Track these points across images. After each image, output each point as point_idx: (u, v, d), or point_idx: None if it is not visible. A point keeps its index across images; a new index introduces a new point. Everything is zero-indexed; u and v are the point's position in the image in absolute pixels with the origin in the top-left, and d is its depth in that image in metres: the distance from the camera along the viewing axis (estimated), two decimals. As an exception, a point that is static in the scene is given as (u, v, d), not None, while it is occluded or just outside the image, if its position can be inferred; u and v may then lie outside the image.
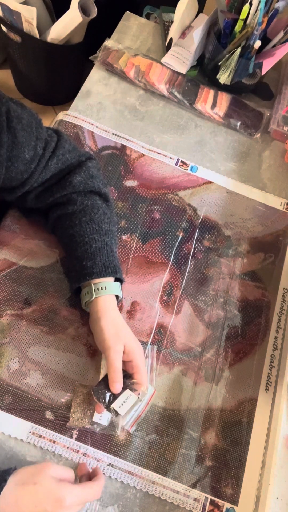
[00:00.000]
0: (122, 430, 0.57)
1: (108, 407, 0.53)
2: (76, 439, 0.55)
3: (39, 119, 0.55)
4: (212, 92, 0.85)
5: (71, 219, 0.59)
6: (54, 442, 0.55)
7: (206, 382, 0.62)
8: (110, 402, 0.53)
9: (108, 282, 0.57)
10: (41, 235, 0.66)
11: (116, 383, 0.52)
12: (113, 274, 0.57)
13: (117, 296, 0.59)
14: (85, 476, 0.53)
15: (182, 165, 0.78)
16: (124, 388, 0.54)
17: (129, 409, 0.53)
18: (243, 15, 0.75)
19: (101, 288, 0.56)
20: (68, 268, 0.63)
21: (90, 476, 0.53)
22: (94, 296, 0.56)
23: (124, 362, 0.54)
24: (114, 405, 0.53)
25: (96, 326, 0.56)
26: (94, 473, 0.53)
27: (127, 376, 0.55)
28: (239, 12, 0.75)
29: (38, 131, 0.54)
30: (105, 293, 0.56)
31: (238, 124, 0.83)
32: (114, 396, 0.53)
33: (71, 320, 0.62)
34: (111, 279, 0.58)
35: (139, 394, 0.54)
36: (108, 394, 0.53)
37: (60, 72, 1.49)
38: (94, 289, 0.56)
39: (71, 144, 0.61)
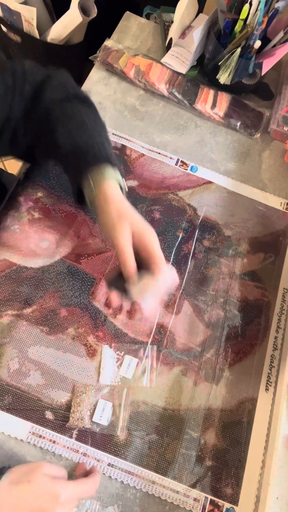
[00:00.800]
0: (122, 430, 0.57)
1: (125, 293, 0.48)
2: (76, 439, 0.55)
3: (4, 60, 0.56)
4: (212, 92, 0.85)
5: (56, 128, 0.55)
6: (54, 442, 0.55)
7: (206, 382, 0.62)
8: (126, 290, 0.48)
9: (105, 170, 0.53)
10: (41, 235, 0.66)
11: (129, 264, 0.48)
12: (105, 160, 0.53)
13: (120, 187, 0.55)
14: (82, 474, 0.53)
15: (182, 165, 0.78)
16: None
17: (145, 291, 0.47)
18: (243, 15, 0.75)
19: (100, 178, 0.53)
20: (67, 176, 0.59)
21: (87, 474, 0.53)
22: (93, 187, 0.52)
23: (136, 254, 0.49)
24: (131, 291, 0.47)
25: (101, 214, 0.52)
26: (90, 471, 0.53)
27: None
28: (239, 12, 0.75)
29: (1, 65, 0.55)
30: (105, 181, 0.52)
31: (238, 124, 0.83)
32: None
33: (71, 321, 0.62)
34: (108, 168, 0.54)
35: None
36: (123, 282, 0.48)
37: (60, 72, 1.48)
38: (93, 180, 0.53)
39: (36, 64, 0.59)
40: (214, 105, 0.84)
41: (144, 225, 0.51)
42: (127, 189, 0.57)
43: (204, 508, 0.55)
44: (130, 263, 0.49)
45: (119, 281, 0.49)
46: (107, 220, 0.51)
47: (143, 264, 0.50)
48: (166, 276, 0.49)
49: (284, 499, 0.57)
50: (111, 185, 0.53)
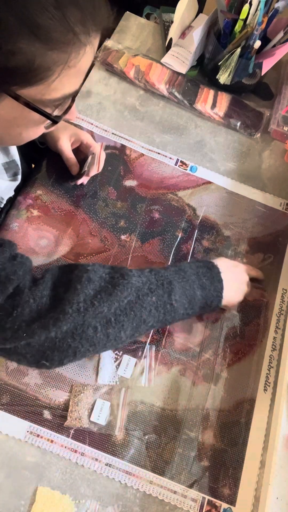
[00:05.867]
0: (120, 430, 0.57)
1: (81, 174, 0.69)
2: (74, 438, 0.55)
3: None
4: (212, 92, 0.85)
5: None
6: (51, 441, 0.55)
7: (204, 382, 0.62)
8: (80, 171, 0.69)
9: None
10: (40, 233, 0.66)
11: (71, 161, 0.68)
12: None
13: None
14: None
15: (181, 165, 0.78)
16: (83, 165, 0.69)
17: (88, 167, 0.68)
18: (243, 15, 0.75)
19: None
20: None
21: None
22: None
23: (81, 152, 0.70)
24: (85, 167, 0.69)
25: (48, 134, 0.67)
26: None
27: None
28: (239, 12, 0.75)
29: None
30: None
31: (238, 124, 0.83)
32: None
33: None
34: None
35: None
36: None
37: (61, 72, 1.49)
38: None
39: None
40: (214, 105, 0.84)
41: (80, 133, 0.69)
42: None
43: (201, 508, 0.55)
44: (72, 160, 0.68)
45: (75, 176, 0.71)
46: (52, 136, 0.67)
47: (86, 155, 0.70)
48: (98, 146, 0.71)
49: (284, 499, 0.57)
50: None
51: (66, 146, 0.68)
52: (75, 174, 0.70)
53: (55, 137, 0.67)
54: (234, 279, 0.61)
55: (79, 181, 0.70)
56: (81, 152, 0.71)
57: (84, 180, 0.71)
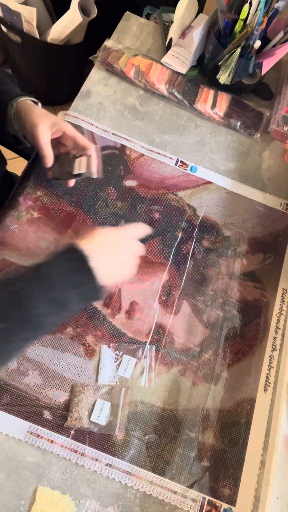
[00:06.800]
0: (120, 430, 0.57)
1: (69, 174, 0.63)
2: (74, 438, 0.55)
3: None
4: (212, 92, 0.85)
5: None
6: (52, 441, 0.55)
7: (204, 383, 0.62)
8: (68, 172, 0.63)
9: (20, 97, 0.62)
10: (40, 234, 0.66)
11: (46, 152, 0.60)
12: (19, 95, 0.63)
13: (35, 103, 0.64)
14: None
15: (181, 165, 0.78)
16: (72, 160, 0.63)
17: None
18: (243, 15, 0.75)
19: (17, 99, 0.62)
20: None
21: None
22: (15, 105, 0.61)
23: (62, 145, 0.64)
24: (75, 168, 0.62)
25: (26, 121, 0.61)
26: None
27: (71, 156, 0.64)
28: (239, 12, 0.75)
29: None
30: (22, 98, 0.62)
31: (238, 124, 0.83)
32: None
33: (70, 320, 0.62)
34: (22, 96, 0.63)
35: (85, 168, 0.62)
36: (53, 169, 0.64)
37: (60, 72, 1.49)
38: (12, 104, 0.61)
39: None
40: (214, 105, 0.84)
41: (63, 123, 0.62)
42: (40, 105, 0.66)
43: (201, 508, 0.55)
44: (47, 150, 0.60)
45: (58, 171, 0.64)
46: (31, 122, 0.60)
47: (67, 146, 0.65)
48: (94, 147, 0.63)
49: (284, 499, 0.57)
50: (28, 102, 0.63)
51: (44, 133, 0.60)
52: (47, 167, 0.63)
53: (33, 124, 0.60)
54: (115, 256, 0.53)
55: (71, 183, 0.66)
56: (62, 145, 0.65)
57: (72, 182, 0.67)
